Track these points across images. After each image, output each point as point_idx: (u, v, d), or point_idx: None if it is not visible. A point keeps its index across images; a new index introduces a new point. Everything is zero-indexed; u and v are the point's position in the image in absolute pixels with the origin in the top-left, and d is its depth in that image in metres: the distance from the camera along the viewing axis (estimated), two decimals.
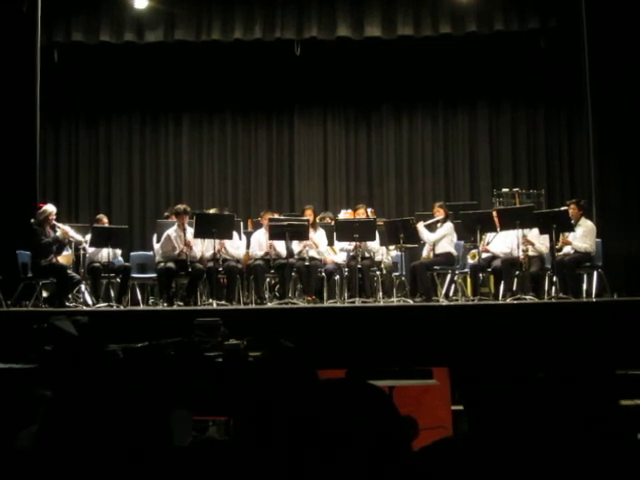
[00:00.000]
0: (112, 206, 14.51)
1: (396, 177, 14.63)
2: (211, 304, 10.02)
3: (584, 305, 9.44)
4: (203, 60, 13.99)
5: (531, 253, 10.23)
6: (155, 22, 12.70)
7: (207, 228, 10.25)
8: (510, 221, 10.11)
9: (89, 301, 10.33)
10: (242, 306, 10.23)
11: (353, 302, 10.08)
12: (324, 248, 10.87)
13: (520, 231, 10.10)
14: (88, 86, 14.31)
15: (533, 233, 10.22)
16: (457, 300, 10.47)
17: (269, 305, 10.22)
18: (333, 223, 11.20)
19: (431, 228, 10.81)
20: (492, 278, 10.76)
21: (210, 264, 10.40)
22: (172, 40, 12.82)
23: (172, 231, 10.54)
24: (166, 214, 12.02)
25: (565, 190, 14.12)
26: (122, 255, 11.25)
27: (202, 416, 5.42)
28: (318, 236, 10.81)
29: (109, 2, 12.59)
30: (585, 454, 1.91)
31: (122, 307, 10.19)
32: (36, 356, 5.77)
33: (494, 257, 10.41)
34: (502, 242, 10.44)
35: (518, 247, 10.11)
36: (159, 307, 10.24)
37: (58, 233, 10.19)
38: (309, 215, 10.92)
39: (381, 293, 10.31)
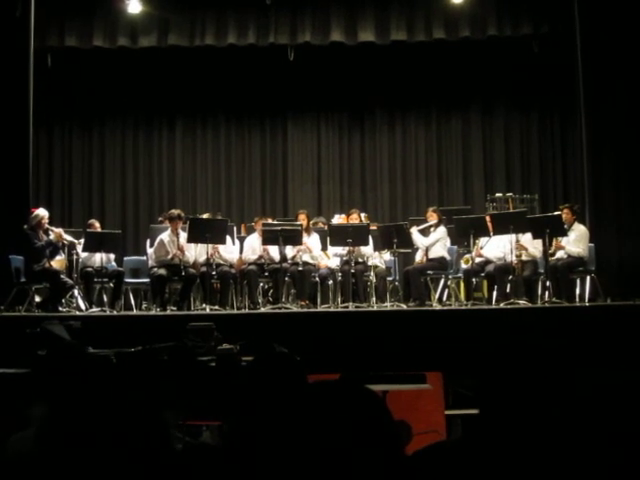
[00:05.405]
0: (105, 211, 14.49)
1: (390, 182, 14.64)
2: (204, 309, 10.00)
3: (577, 310, 9.46)
4: (197, 65, 13.99)
5: (524, 258, 10.24)
6: (149, 27, 12.68)
7: (200, 233, 10.24)
8: (503, 226, 10.12)
9: (82, 306, 10.29)
10: (235, 311, 10.20)
11: (347, 307, 10.07)
12: (318, 253, 10.86)
13: (513, 236, 10.12)
14: (81, 91, 14.30)
15: (526, 238, 10.23)
16: (450, 305, 10.47)
17: (262, 310, 10.21)
18: (326, 228, 11.19)
19: (424, 233, 10.82)
20: (485, 283, 10.77)
21: (203, 269, 10.38)
22: (166, 45, 12.80)
23: (165, 236, 10.53)
24: (160, 219, 12.01)
25: (558, 195, 14.15)
26: (115, 260, 11.23)
27: (195, 421, 5.41)
28: (312, 241, 10.80)
29: (103, 7, 12.56)
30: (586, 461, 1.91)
31: (115, 312, 10.17)
32: (29, 361, 5.75)
33: (487, 262, 10.42)
34: (495, 247, 10.45)
35: (511, 252, 10.12)
36: (152, 312, 10.22)
37: (51, 236, 10.17)
38: (302, 220, 10.91)
39: (374, 298, 10.30)
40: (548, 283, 9.86)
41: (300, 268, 10.46)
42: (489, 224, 10.32)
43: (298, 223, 10.80)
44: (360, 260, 10.74)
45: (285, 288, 10.62)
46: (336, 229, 10.83)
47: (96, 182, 14.69)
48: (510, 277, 10.14)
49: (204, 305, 10.15)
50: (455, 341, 7.61)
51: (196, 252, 10.59)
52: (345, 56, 13.49)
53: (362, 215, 11.53)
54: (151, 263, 10.71)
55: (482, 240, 10.53)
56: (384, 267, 11.01)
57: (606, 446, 1.95)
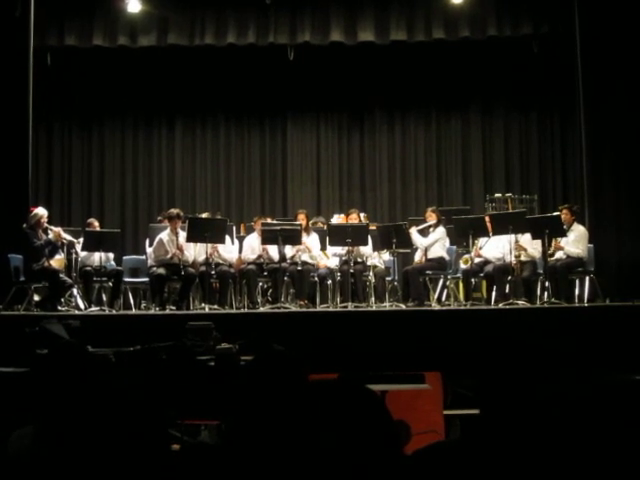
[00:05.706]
0: (105, 210, 14.49)
1: (389, 182, 14.63)
2: (203, 308, 10.00)
3: (576, 310, 9.46)
4: (196, 65, 13.98)
5: (523, 258, 10.23)
6: (148, 26, 12.67)
7: (200, 232, 10.23)
8: (503, 226, 10.12)
9: (81, 305, 10.29)
10: (234, 310, 10.21)
11: (345, 307, 10.07)
12: (317, 253, 10.86)
13: (512, 236, 10.12)
14: (81, 90, 14.30)
15: (525, 238, 10.22)
16: (449, 305, 10.47)
17: (261, 309, 10.21)
18: (326, 228, 11.18)
19: (423, 233, 10.82)
20: (484, 283, 10.77)
21: (202, 268, 10.38)
22: (165, 44, 12.80)
23: (165, 235, 10.52)
24: (159, 218, 12.00)
25: (557, 195, 14.15)
26: (114, 259, 11.23)
27: (194, 420, 5.40)
28: (311, 240, 10.80)
29: (102, 6, 12.56)
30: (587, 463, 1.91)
31: (114, 311, 10.17)
32: (28, 360, 5.76)
33: (486, 262, 10.42)
34: (495, 247, 10.45)
35: (510, 252, 10.12)
36: (151, 311, 10.22)
37: (50, 235, 10.17)
38: (302, 220, 10.91)
39: (373, 298, 10.30)
40: (547, 284, 9.85)
41: (299, 268, 10.46)
42: (488, 224, 10.31)
43: (297, 223, 10.79)
44: (359, 260, 10.74)
45: (284, 288, 10.61)
46: (335, 229, 10.82)
47: (95, 181, 14.69)
48: (509, 277, 10.14)
49: (203, 304, 10.14)
50: (454, 341, 7.61)
51: (195, 251, 10.59)
52: (345, 56, 13.48)
53: (361, 215, 11.53)
54: (150, 262, 10.71)
55: (481, 240, 10.52)
56: (383, 267, 11.01)
57: (605, 446, 1.95)
